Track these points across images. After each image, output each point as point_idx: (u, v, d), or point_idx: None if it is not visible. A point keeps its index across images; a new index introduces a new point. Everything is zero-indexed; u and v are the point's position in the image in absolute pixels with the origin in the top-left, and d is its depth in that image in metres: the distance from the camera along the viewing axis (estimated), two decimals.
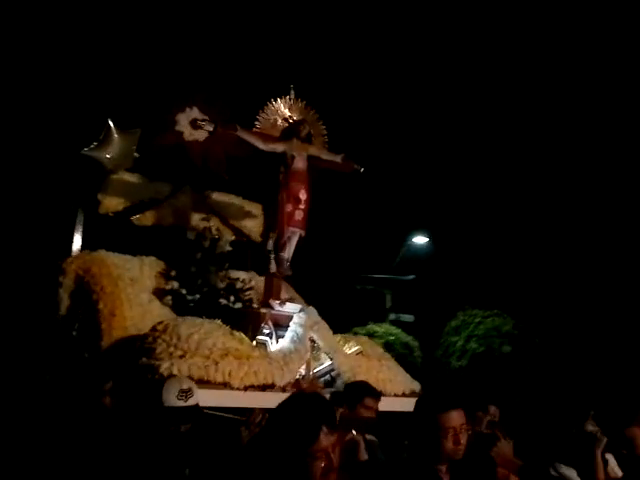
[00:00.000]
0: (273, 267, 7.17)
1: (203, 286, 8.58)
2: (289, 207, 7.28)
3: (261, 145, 7.33)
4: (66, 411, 5.71)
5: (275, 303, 7.08)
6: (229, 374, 5.83)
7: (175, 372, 5.79)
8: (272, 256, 7.20)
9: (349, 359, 6.75)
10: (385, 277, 15.87)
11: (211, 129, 7.15)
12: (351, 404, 5.48)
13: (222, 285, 8.62)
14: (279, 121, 7.66)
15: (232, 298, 8.59)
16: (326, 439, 2.73)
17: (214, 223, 9.42)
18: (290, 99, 7.72)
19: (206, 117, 9.76)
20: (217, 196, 9.74)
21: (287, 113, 7.68)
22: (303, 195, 7.35)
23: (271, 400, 5.89)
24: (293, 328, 6.62)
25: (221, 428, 4.98)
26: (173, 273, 8.61)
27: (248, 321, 6.75)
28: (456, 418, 3.51)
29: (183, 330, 6.34)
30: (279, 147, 7.39)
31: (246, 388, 5.85)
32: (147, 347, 6.36)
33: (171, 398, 4.57)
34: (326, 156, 7.67)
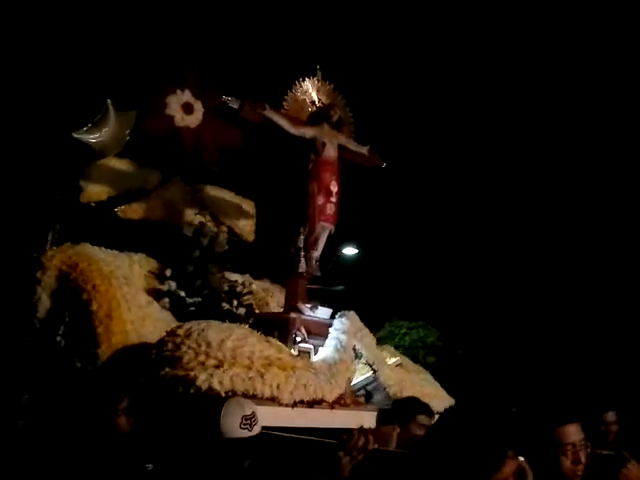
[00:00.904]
0: (303, 266, 6.32)
1: (203, 288, 7.62)
2: (320, 199, 6.47)
3: (290, 129, 6.50)
4: (62, 441, 4.58)
5: (305, 307, 6.23)
6: (277, 387, 4.94)
7: (216, 385, 4.85)
8: (302, 254, 6.34)
9: (395, 372, 5.99)
10: (314, 287, 15.46)
11: (236, 106, 6.25)
12: (402, 422, 4.73)
13: (225, 288, 7.69)
14: (307, 104, 6.84)
15: (235, 302, 7.69)
16: (510, 465, 2.26)
17: (206, 219, 8.47)
18: (317, 81, 6.92)
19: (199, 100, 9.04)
20: (209, 190, 8.78)
21: (315, 96, 6.88)
22: (334, 187, 6.56)
23: (321, 418, 5.07)
24: (335, 335, 5.80)
25: (293, 455, 4.09)
26: (168, 273, 7.60)
27: (275, 327, 5.85)
28: (574, 433, 2.99)
29: (212, 335, 5.39)
30: (309, 132, 6.58)
31: (295, 404, 4.98)
32: (168, 355, 5.36)
33: (234, 428, 3.64)
34: (354, 147, 6.93)
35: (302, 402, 5.01)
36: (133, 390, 5.05)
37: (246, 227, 9.04)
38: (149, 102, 8.66)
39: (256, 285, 8.14)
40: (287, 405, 4.89)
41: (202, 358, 5.22)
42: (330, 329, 6.33)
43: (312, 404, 5.08)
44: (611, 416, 5.13)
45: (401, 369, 6.10)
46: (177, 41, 9.10)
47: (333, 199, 6.53)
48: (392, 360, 6.10)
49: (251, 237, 9.12)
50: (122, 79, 8.33)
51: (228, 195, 8.94)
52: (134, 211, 8.26)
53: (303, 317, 6.18)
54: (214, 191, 8.84)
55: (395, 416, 4.83)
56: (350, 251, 15.29)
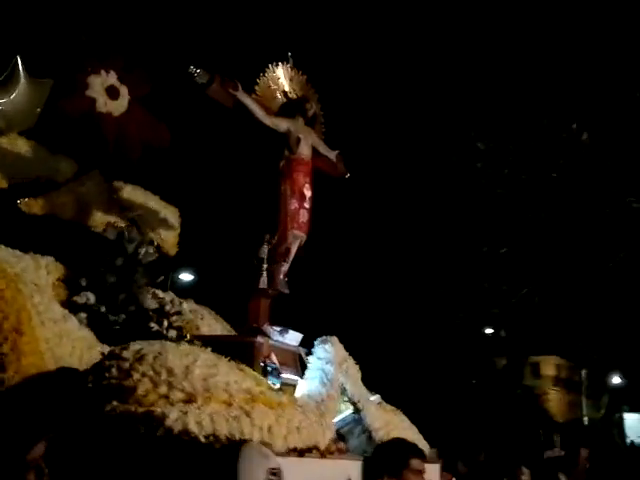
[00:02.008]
0: (264, 282, 5.26)
1: (128, 303, 6.29)
2: (293, 203, 5.47)
3: (264, 118, 5.47)
4: None
5: (273, 330, 5.15)
6: (269, 430, 3.81)
7: (192, 427, 3.63)
8: (264, 267, 5.28)
9: (380, 412, 5.02)
10: None
11: (204, 81, 5.14)
12: (395, 470, 3.86)
13: (154, 305, 6.40)
14: (279, 93, 5.85)
15: (165, 323, 6.42)
16: None
17: (124, 224, 7.14)
18: (290, 69, 5.97)
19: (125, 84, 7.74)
20: (130, 190, 7.45)
21: (287, 85, 5.91)
22: (308, 191, 5.60)
23: (309, 470, 4.05)
24: (319, 365, 4.76)
25: None
26: (84, 282, 6.20)
27: (234, 354, 4.68)
28: None
29: (174, 360, 4.16)
30: (282, 124, 5.59)
31: (289, 451, 3.90)
32: (114, 384, 4.06)
33: None
34: (323, 149, 6.02)
35: (295, 450, 3.91)
36: (52, 432, 3.76)
37: (169, 238, 7.76)
38: (68, 78, 7.28)
39: (189, 307, 6.90)
40: (279, 454, 3.77)
41: (164, 390, 3.98)
42: (296, 357, 5.30)
43: (303, 452, 4.00)
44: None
45: (381, 408, 5.15)
46: (108, 12, 7.77)
47: (307, 205, 5.56)
48: (373, 397, 5.14)
49: (173, 250, 7.85)
50: (38, 39, 6.88)
51: (152, 199, 7.63)
52: (41, 205, 6.77)
53: (270, 342, 5.08)
54: (136, 192, 7.50)
55: (385, 464, 3.92)
56: (186, 277, 14.90)
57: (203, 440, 3.62)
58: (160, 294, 6.72)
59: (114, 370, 4.17)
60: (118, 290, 6.29)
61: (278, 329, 5.17)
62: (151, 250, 6.73)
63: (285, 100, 5.86)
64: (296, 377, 4.77)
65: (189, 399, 3.89)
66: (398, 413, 5.42)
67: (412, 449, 4.01)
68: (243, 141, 6.37)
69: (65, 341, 5.23)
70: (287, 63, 5.97)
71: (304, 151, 5.66)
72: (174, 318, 6.56)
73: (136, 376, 4.06)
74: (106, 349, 5.48)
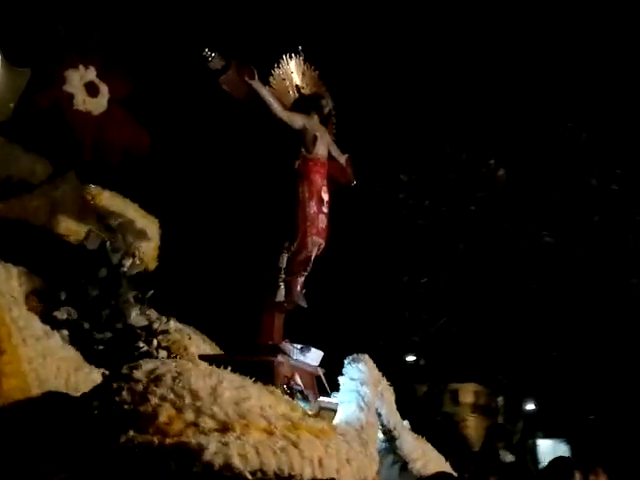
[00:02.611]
0: (282, 294, 4.68)
1: (113, 320, 5.57)
2: (312, 207, 4.91)
3: (280, 112, 4.93)
4: None
5: (293, 348, 4.55)
6: (319, 463, 3.21)
7: (236, 461, 3.00)
8: (282, 278, 4.70)
9: (417, 441, 4.46)
10: None
11: (219, 66, 4.58)
12: None
13: (143, 322, 5.70)
14: (292, 88, 5.32)
15: (155, 342, 5.73)
16: None
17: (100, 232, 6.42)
18: (302, 63, 5.46)
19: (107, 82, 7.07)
20: (108, 197, 6.73)
21: (299, 80, 5.39)
22: (325, 194, 5.06)
23: None
24: (353, 387, 4.17)
25: None
26: (63, 296, 5.46)
27: (249, 374, 4.06)
28: None
29: (196, 381, 3.52)
30: (298, 120, 5.06)
31: None
32: (126, 410, 3.38)
33: None
34: (335, 152, 5.51)
35: None
36: (63, 472, 3.10)
37: (149, 251, 7.05)
38: (44, 71, 6.57)
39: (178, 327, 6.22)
40: None
41: (190, 416, 3.32)
42: (314, 379, 4.71)
43: None
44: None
45: (416, 436, 4.60)
46: (91, 4, 7.13)
47: (325, 209, 5.01)
48: (405, 423, 4.58)
49: (153, 264, 7.13)
50: (17, 26, 6.17)
51: (131, 207, 6.93)
52: (12, 209, 6.00)
53: (291, 362, 4.49)
54: (114, 199, 6.79)
55: None
56: None
57: (249, 477, 2.99)
58: (146, 310, 6.03)
59: (125, 394, 3.49)
60: (102, 305, 5.57)
61: (299, 347, 4.57)
62: (137, 261, 6.04)
63: (298, 96, 5.34)
64: (334, 401, 4.17)
65: (223, 427, 3.25)
66: (425, 441, 4.88)
67: None
68: (249, 140, 5.80)
69: (49, 361, 4.48)
70: (299, 56, 5.46)
71: (320, 151, 5.14)
72: (161, 337, 5.89)
73: (154, 400, 3.40)
74: (94, 371, 4.80)
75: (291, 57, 5.38)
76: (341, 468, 3.31)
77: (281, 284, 4.69)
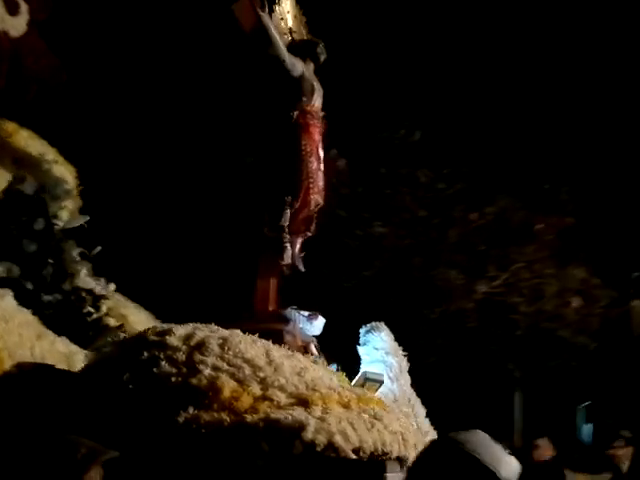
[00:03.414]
0: (288, 255, 4.24)
1: (59, 280, 4.73)
2: (313, 163, 4.48)
3: (284, 52, 4.43)
4: None
5: (301, 315, 4.13)
6: (403, 441, 2.88)
7: (338, 439, 2.58)
8: (287, 237, 4.26)
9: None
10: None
11: None
12: None
13: (91, 284, 4.91)
14: (285, 31, 4.79)
15: (103, 308, 4.96)
16: None
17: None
18: (295, 6, 4.94)
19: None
20: (27, 137, 5.74)
21: (292, 23, 4.88)
22: (321, 151, 4.66)
23: None
24: (379, 357, 3.85)
25: None
26: None
27: None
28: None
29: (247, 348, 3.03)
30: (299, 66, 4.58)
31: None
32: (174, 384, 2.79)
33: None
34: None
35: None
36: (104, 451, 2.50)
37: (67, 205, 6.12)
38: None
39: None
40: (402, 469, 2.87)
41: (257, 389, 2.83)
42: (308, 348, 4.33)
43: None
44: None
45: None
46: None
47: (322, 166, 4.61)
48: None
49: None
50: None
51: (51, 153, 5.96)
52: None
53: (297, 329, 4.07)
54: (33, 141, 5.80)
55: None
56: None
57: (352, 455, 2.59)
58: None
59: (165, 364, 2.89)
60: (42, 262, 4.70)
61: (306, 314, 4.14)
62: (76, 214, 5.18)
63: (291, 39, 4.84)
64: (379, 372, 3.80)
65: (300, 401, 2.80)
66: None
67: None
68: (244, 89, 5.14)
69: (11, 326, 3.66)
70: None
71: (317, 102, 4.70)
72: (102, 302, 5.13)
73: (207, 371, 2.85)
74: (58, 340, 4.02)
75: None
76: (418, 443, 3.01)
77: (287, 244, 4.23)
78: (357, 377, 3.65)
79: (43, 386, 3.07)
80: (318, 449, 2.52)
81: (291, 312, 4.14)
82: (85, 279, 4.82)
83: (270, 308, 4.21)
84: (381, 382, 3.67)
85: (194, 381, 2.81)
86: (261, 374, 2.90)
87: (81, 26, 7.78)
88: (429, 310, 9.88)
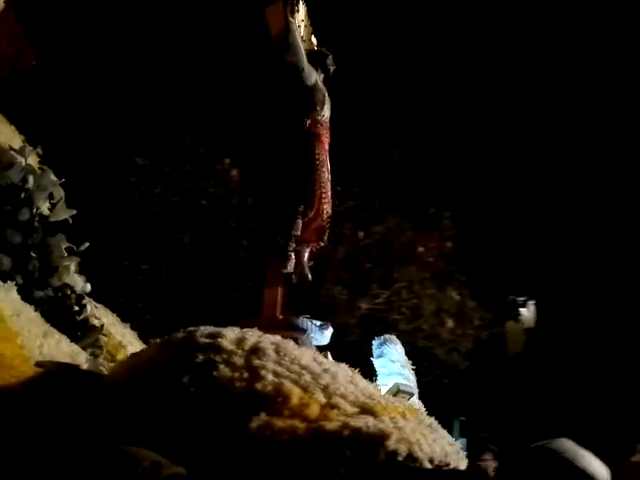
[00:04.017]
0: (292, 265, 4.23)
1: (47, 276, 4.44)
2: (325, 173, 4.50)
3: (304, 62, 4.43)
4: None
5: (313, 324, 4.11)
6: (444, 455, 2.95)
7: (416, 449, 2.59)
8: (292, 247, 4.25)
9: None
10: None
11: None
12: None
13: (80, 282, 4.66)
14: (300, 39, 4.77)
15: (88, 308, 4.72)
16: None
17: None
18: (305, 12, 4.94)
19: None
20: None
21: (303, 31, 4.87)
22: (328, 164, 4.69)
23: None
24: (395, 370, 3.89)
25: None
26: None
27: None
28: None
29: (300, 354, 3.01)
30: (313, 75, 4.58)
31: None
32: (239, 389, 2.70)
33: None
34: None
35: None
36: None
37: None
38: None
39: None
40: None
41: (321, 397, 2.79)
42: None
43: None
44: None
45: None
46: None
47: (330, 177, 4.63)
48: None
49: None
50: None
51: (19, 139, 5.59)
52: None
53: (308, 339, 4.04)
54: (2, 126, 5.45)
55: None
56: None
57: (428, 465, 2.62)
58: None
59: (224, 368, 2.80)
60: (28, 255, 4.39)
61: (318, 323, 4.12)
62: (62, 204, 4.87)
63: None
64: (411, 384, 3.82)
65: (363, 410, 2.79)
66: None
67: None
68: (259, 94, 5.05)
69: (22, 322, 3.40)
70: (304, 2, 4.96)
71: (327, 113, 4.72)
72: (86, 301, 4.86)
73: (269, 377, 2.78)
74: (64, 340, 3.78)
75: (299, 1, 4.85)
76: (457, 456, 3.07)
77: (291, 254, 4.21)
78: (389, 388, 3.68)
79: (82, 390, 2.88)
80: (400, 458, 2.53)
81: (304, 321, 4.11)
82: (74, 276, 4.55)
83: (280, 316, 4.16)
84: (412, 394, 3.72)
85: (259, 386, 2.73)
86: (322, 381, 2.86)
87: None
88: None
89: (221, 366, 2.81)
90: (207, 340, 2.96)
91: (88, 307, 4.61)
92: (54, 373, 3.02)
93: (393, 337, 4.17)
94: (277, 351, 2.96)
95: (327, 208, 4.47)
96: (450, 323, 10.88)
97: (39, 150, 5.13)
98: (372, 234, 10.84)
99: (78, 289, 4.71)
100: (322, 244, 4.42)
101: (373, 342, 4.16)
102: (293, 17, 4.26)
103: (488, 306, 11.00)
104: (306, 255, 4.43)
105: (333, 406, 2.77)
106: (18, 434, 2.55)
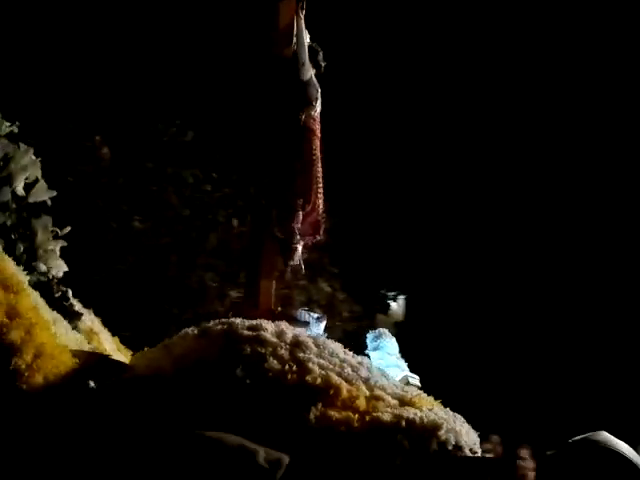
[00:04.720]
0: (297, 257, 4.34)
1: (30, 259, 4.26)
2: (319, 169, 4.60)
3: (305, 54, 4.52)
4: None
5: (311, 317, 4.22)
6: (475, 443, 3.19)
7: (462, 439, 2.79)
8: (296, 238, 4.35)
9: None
10: None
11: None
12: None
13: (63, 267, 4.50)
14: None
15: (70, 293, 4.54)
16: None
17: None
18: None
19: None
20: None
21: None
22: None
23: None
24: (393, 362, 4.05)
25: None
26: None
27: None
28: None
29: (336, 347, 3.15)
30: (309, 71, 4.67)
31: None
32: (290, 382, 2.79)
33: None
34: None
35: None
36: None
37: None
38: None
39: None
40: None
41: (364, 389, 2.93)
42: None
43: None
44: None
45: None
46: None
47: (321, 172, 4.73)
48: None
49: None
50: None
51: None
52: None
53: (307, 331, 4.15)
54: None
55: None
56: None
57: (469, 454, 2.83)
58: None
59: (273, 360, 2.86)
60: (13, 238, 4.18)
61: (315, 316, 4.23)
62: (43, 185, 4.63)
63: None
64: (416, 376, 3.97)
65: (403, 402, 2.96)
66: None
67: None
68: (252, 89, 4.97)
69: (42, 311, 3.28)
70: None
71: (319, 109, 4.82)
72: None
73: (317, 370, 2.88)
74: (69, 326, 3.67)
75: None
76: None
77: (297, 246, 4.30)
78: (399, 380, 3.84)
79: (125, 383, 2.85)
80: (449, 447, 2.72)
81: (303, 313, 4.21)
82: (57, 262, 4.37)
83: (276, 309, 4.23)
84: (419, 387, 3.90)
85: (309, 379, 2.83)
86: (362, 374, 3.00)
87: None
88: (180, 310, 10.21)
89: (270, 358, 2.87)
90: (250, 332, 3.01)
91: (69, 293, 4.46)
92: (94, 365, 2.97)
93: (386, 331, 4.34)
94: (316, 344, 3.07)
95: (321, 203, 4.58)
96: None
97: None
98: (247, 222, 10.89)
99: (60, 274, 4.55)
100: (318, 237, 4.52)
101: (367, 335, 4.30)
102: (302, 13, 4.31)
103: (358, 299, 11.32)
104: (299, 246, 4.52)
105: (377, 398, 2.91)
106: (75, 428, 2.52)
